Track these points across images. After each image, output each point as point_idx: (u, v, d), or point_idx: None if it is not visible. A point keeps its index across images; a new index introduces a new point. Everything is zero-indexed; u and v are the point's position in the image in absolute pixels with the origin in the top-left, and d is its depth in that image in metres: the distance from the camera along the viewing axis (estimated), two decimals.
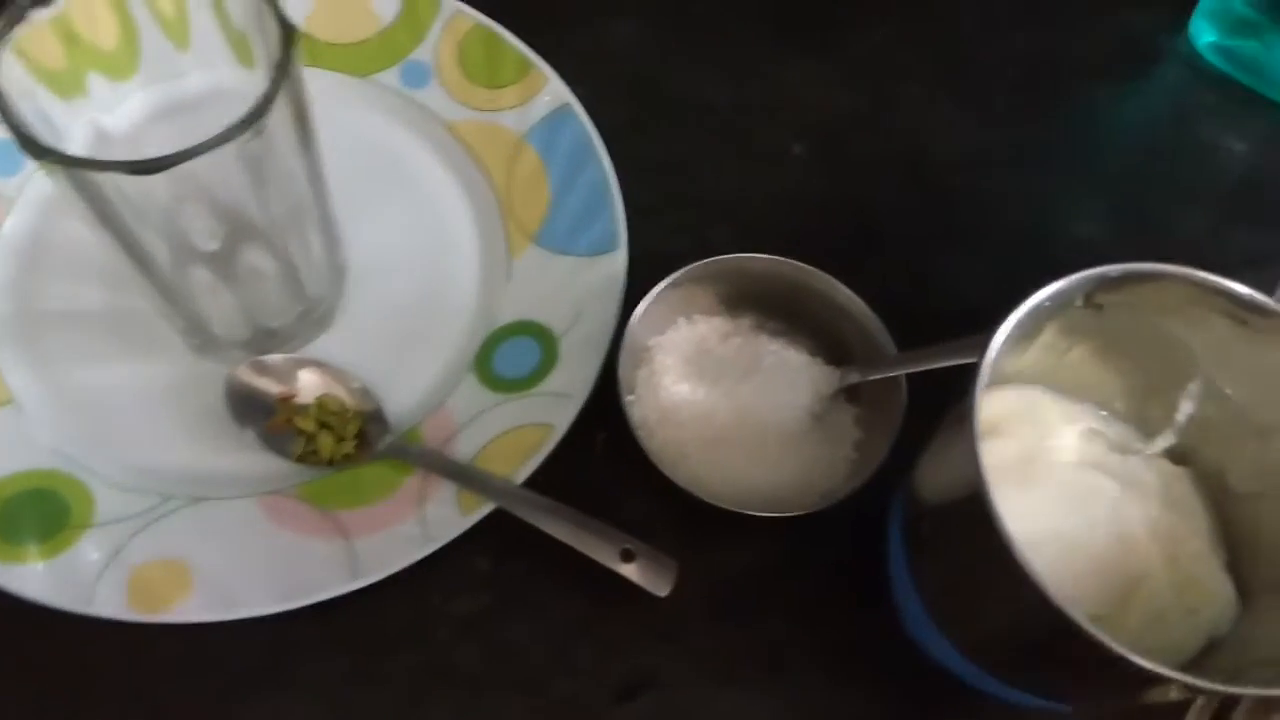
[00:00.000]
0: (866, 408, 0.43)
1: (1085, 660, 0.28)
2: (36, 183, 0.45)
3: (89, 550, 0.37)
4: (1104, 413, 0.38)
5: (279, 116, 0.32)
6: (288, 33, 0.32)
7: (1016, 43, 0.56)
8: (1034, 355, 0.36)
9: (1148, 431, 0.37)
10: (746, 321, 0.44)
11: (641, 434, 0.40)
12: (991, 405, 0.36)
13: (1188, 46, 0.56)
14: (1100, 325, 0.35)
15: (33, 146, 0.29)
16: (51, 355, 0.42)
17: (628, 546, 0.38)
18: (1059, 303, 0.32)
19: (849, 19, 0.56)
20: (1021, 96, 0.54)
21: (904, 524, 0.37)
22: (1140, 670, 0.27)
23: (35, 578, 0.36)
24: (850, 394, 0.43)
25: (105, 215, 0.32)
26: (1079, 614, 0.27)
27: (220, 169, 0.32)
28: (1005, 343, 0.31)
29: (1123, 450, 0.37)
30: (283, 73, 0.31)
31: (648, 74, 0.52)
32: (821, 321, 0.43)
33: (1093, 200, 0.51)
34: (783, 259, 0.43)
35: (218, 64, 0.38)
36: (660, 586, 0.38)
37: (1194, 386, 0.35)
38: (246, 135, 0.31)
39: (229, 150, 0.31)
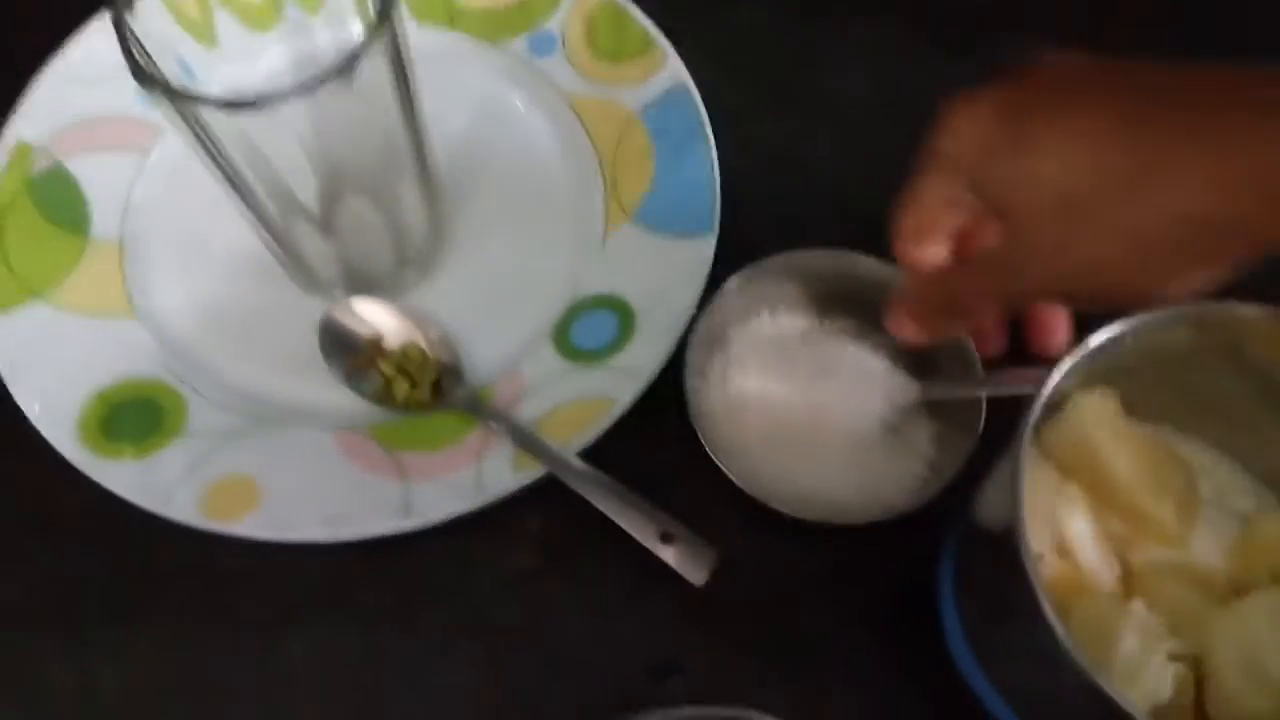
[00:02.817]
0: (944, 424, 0.41)
1: None
2: None
3: (175, 457, 0.40)
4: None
5: (374, 70, 0.34)
6: None
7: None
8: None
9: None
10: (833, 323, 0.43)
11: (704, 423, 0.40)
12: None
13: None
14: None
15: (138, 71, 0.32)
16: (175, 276, 0.46)
17: (668, 529, 0.38)
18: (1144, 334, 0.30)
19: (1000, 22, 0.54)
20: None
21: (957, 548, 0.35)
22: None
23: (124, 475, 0.40)
24: (930, 409, 0.41)
25: (209, 151, 0.35)
26: (1111, 688, 0.25)
27: (315, 116, 0.34)
28: (1070, 376, 0.29)
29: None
30: (376, 31, 0.33)
31: (772, 61, 0.52)
32: None
33: None
34: (878, 262, 0.42)
35: (346, 22, 0.40)
36: (697, 573, 0.38)
37: None
38: (334, 84, 0.32)
39: (319, 97, 0.32)
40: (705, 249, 0.44)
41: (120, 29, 0.32)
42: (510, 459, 0.40)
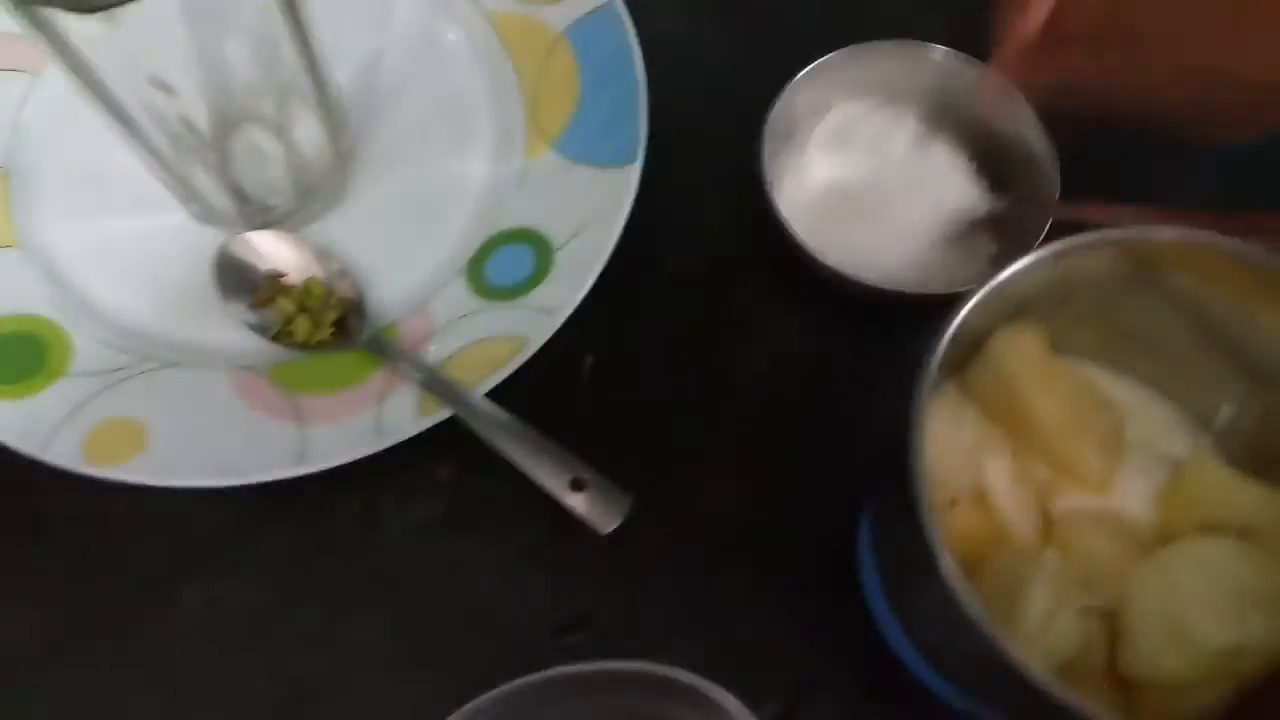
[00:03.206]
0: (1006, 244, 0.41)
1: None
2: None
3: (56, 398, 0.38)
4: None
5: None
6: None
7: None
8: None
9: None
10: (904, 117, 0.42)
11: (782, 208, 0.39)
12: None
13: None
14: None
15: None
16: (64, 206, 0.43)
17: (579, 476, 0.36)
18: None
19: None
20: None
21: (874, 503, 0.33)
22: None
23: (1, 416, 0.37)
24: (995, 225, 0.41)
25: (73, 66, 0.32)
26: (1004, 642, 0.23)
27: (188, 30, 0.31)
28: (982, 308, 0.27)
29: None
30: None
31: None
32: (992, 145, 0.42)
33: None
34: (950, 51, 0.41)
35: None
36: (607, 522, 0.36)
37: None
38: None
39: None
40: (629, 181, 0.41)
41: None
42: (414, 402, 0.38)
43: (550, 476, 0.36)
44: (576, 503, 0.36)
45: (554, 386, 0.40)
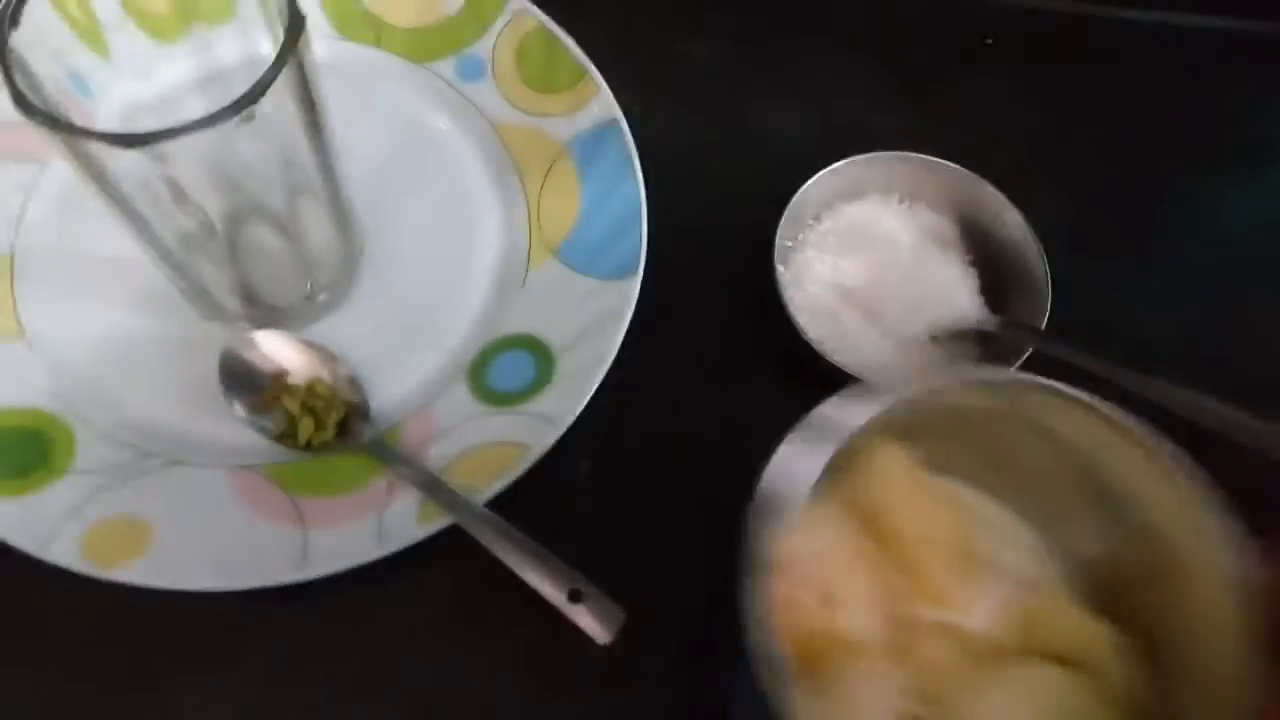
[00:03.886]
0: (988, 355, 0.43)
1: None
2: None
3: (59, 495, 0.38)
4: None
5: (279, 102, 0.32)
6: (295, 19, 0.31)
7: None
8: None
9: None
10: (916, 219, 0.46)
11: (786, 291, 0.42)
12: None
13: None
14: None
15: (24, 104, 0.29)
16: (69, 297, 0.43)
17: (577, 587, 0.37)
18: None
19: (943, 66, 0.54)
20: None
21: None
22: None
23: (1, 513, 0.37)
24: (983, 338, 0.44)
25: (97, 180, 0.33)
26: None
27: (213, 148, 0.32)
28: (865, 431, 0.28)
29: None
30: (282, 60, 0.31)
31: (707, 97, 0.51)
32: (993, 258, 0.45)
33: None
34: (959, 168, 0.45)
35: (255, 36, 0.38)
36: (604, 633, 0.37)
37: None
38: (235, 120, 0.30)
39: (215, 133, 0.30)
40: (629, 293, 0.42)
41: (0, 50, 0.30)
42: (415, 508, 0.39)
43: (549, 586, 0.37)
44: (576, 614, 0.37)
45: (549, 490, 0.40)
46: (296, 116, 0.34)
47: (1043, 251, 0.43)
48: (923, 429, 0.32)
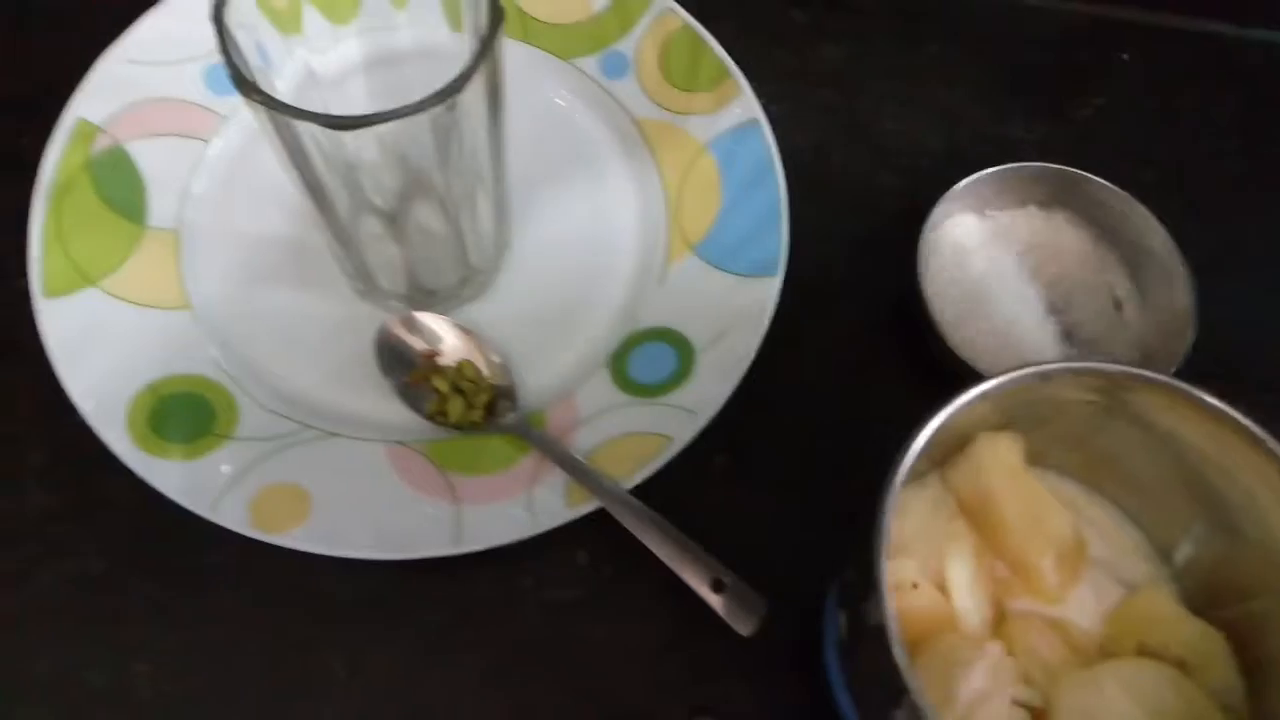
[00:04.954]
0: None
1: None
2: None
3: (224, 460, 0.40)
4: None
5: (474, 91, 0.33)
6: (496, 11, 0.33)
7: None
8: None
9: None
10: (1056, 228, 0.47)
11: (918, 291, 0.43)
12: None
13: None
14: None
15: (243, 83, 0.31)
16: (232, 272, 0.45)
17: (719, 577, 0.38)
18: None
19: (1075, 88, 0.54)
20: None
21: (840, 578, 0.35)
22: None
23: (173, 475, 0.39)
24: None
25: (295, 156, 0.34)
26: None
27: (410, 133, 0.33)
28: (958, 418, 0.29)
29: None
30: (485, 51, 0.32)
31: (848, 103, 0.52)
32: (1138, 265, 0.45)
33: None
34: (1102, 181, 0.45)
35: (430, 23, 0.39)
36: (745, 624, 0.38)
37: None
38: (442, 107, 0.32)
39: (422, 118, 0.32)
40: (769, 291, 0.43)
41: (220, 29, 0.32)
42: (563, 490, 0.40)
43: (692, 575, 0.38)
44: (717, 603, 0.38)
45: (684, 483, 0.41)
46: (484, 106, 0.35)
47: (1188, 269, 0.43)
48: (1031, 423, 0.33)
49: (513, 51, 0.49)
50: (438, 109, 0.31)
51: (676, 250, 0.46)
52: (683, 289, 0.45)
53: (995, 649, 0.30)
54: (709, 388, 0.42)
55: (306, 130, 0.32)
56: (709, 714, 0.39)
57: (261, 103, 0.31)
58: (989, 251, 0.46)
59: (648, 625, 0.40)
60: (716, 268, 0.45)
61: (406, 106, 0.31)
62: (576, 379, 0.43)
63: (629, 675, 0.39)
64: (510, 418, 0.42)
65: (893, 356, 0.46)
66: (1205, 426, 0.30)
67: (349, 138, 0.32)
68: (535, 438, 0.41)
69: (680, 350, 0.43)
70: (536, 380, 0.43)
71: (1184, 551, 0.33)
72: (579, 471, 0.40)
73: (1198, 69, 0.55)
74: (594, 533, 0.40)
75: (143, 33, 0.47)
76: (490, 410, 0.42)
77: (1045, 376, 0.30)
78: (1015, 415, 0.32)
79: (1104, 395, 0.31)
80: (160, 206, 0.45)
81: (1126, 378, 0.30)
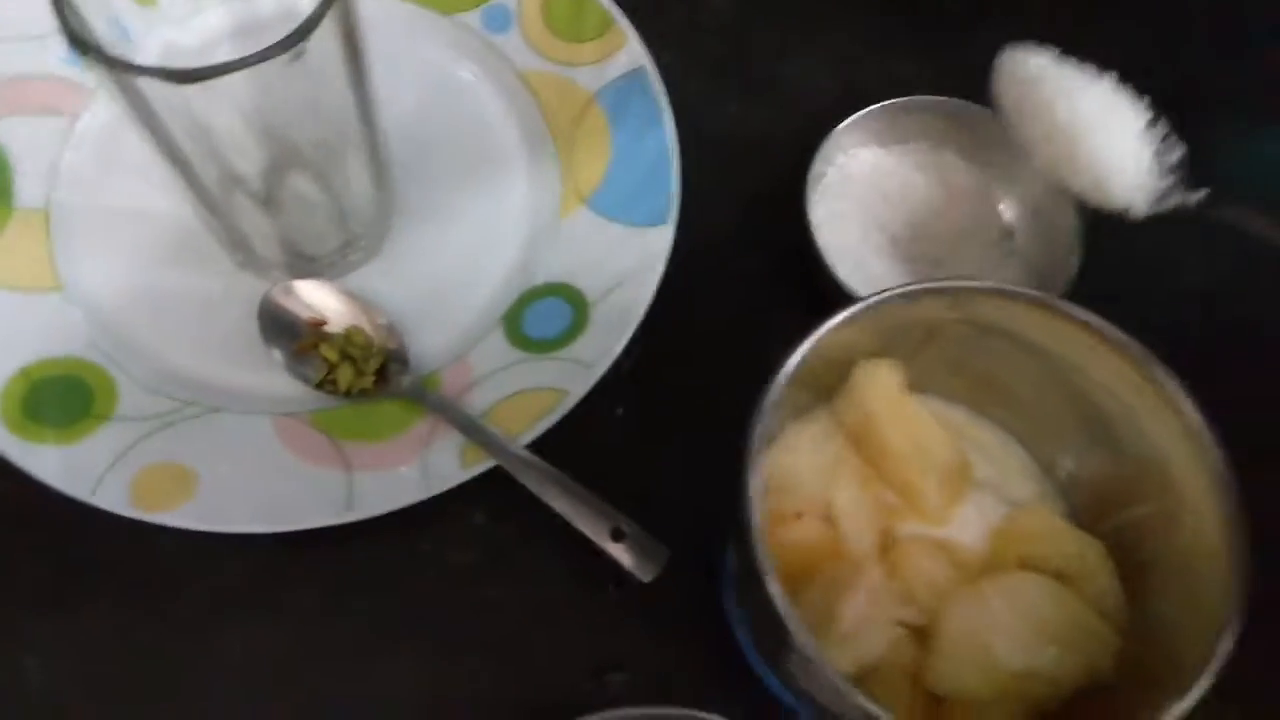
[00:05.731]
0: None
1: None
2: None
3: (103, 442, 0.38)
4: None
5: (324, 44, 0.32)
6: None
7: None
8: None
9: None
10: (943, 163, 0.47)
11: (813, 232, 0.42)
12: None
13: None
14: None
15: (74, 37, 0.30)
16: (105, 250, 0.43)
17: (619, 526, 0.38)
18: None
19: (966, 17, 0.54)
20: None
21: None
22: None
23: (49, 460, 0.38)
24: None
25: (148, 120, 0.33)
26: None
27: (260, 89, 0.32)
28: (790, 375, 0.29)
29: None
30: (328, 2, 0.31)
31: (736, 51, 0.51)
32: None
33: None
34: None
35: None
36: (647, 571, 0.37)
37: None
38: (286, 55, 0.30)
39: (265, 70, 0.30)
40: (662, 240, 0.43)
41: None
42: (457, 451, 0.39)
43: (592, 526, 0.38)
44: (617, 552, 0.37)
45: (584, 435, 0.41)
46: (340, 59, 0.34)
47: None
48: (910, 349, 0.33)
49: (394, 9, 0.49)
50: (282, 58, 0.30)
51: (569, 204, 0.45)
52: (576, 243, 0.44)
53: (877, 572, 0.30)
54: (604, 340, 0.41)
55: (151, 89, 0.31)
56: (619, 670, 0.38)
57: (97, 60, 0.30)
58: (879, 185, 0.45)
59: (552, 582, 0.40)
60: (609, 219, 0.44)
61: (248, 56, 0.30)
62: (471, 339, 0.42)
63: (534, 634, 0.39)
64: (402, 382, 0.41)
65: (791, 300, 0.45)
66: (1076, 339, 0.30)
67: (194, 92, 0.30)
68: (429, 400, 0.40)
69: (575, 304, 0.42)
70: (430, 342, 0.42)
71: (1067, 467, 0.34)
72: (474, 430, 0.39)
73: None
74: (492, 493, 0.39)
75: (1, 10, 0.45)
76: (382, 375, 0.41)
77: (909, 297, 0.29)
78: (893, 341, 0.32)
79: (961, 311, 0.31)
80: (28, 186, 0.44)
81: (982, 292, 0.30)
